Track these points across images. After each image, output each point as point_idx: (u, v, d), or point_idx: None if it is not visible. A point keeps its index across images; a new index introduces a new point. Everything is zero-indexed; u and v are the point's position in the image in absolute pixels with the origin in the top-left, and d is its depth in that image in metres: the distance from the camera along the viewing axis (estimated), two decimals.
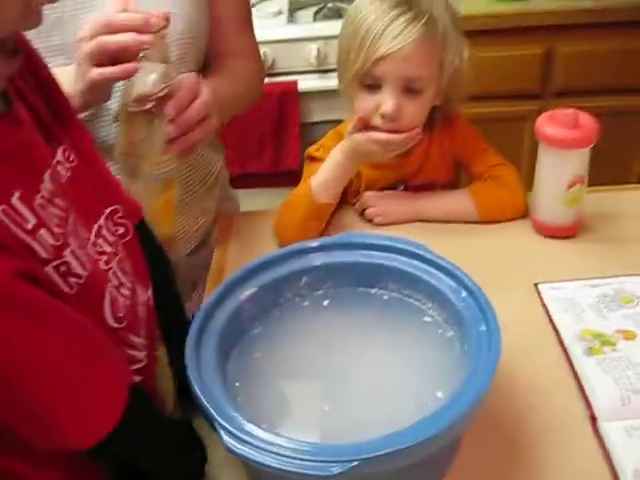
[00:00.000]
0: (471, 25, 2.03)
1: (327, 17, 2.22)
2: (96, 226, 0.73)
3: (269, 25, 2.15)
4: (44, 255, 0.62)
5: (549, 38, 2.15)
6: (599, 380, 0.85)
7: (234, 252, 1.18)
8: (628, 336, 0.91)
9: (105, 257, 0.72)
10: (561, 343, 0.92)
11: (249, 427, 0.65)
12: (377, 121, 1.09)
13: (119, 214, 0.79)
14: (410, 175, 1.23)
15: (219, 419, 0.65)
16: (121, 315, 0.71)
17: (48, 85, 0.74)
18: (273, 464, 0.61)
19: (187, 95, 0.88)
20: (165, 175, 0.89)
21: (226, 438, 0.63)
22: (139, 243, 0.82)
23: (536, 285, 1.04)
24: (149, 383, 0.76)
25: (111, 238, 0.74)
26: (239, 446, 0.62)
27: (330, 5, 2.27)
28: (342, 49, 1.14)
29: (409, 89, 1.09)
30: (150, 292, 0.81)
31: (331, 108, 2.20)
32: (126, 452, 0.69)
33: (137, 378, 0.73)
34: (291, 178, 2.25)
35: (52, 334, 0.60)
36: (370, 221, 1.21)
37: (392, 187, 1.25)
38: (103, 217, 0.75)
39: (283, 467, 0.61)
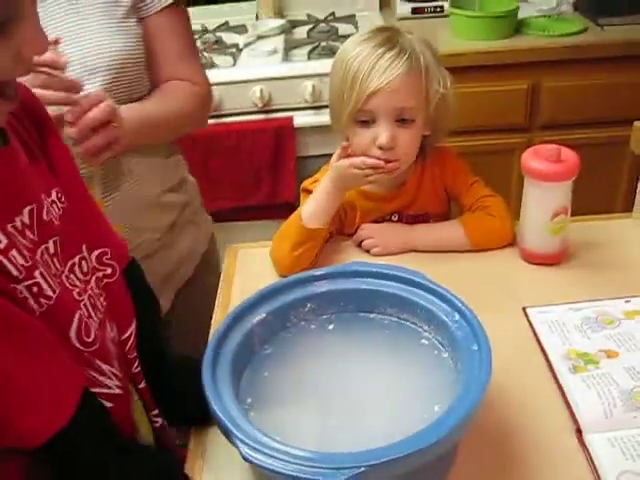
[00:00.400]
0: (460, 62, 2.14)
1: (321, 55, 2.28)
2: (70, 262, 0.80)
3: (265, 63, 2.23)
4: (15, 273, 0.69)
5: (534, 74, 2.23)
6: (583, 395, 0.91)
7: (239, 281, 1.25)
8: (610, 354, 0.98)
9: (77, 289, 0.79)
10: (548, 362, 0.99)
11: (264, 439, 0.71)
12: (375, 153, 1.17)
13: (107, 256, 0.87)
14: (404, 206, 1.30)
15: (236, 432, 0.71)
16: (88, 341, 0.78)
17: (42, 126, 0.81)
18: (286, 471, 0.67)
19: (87, 102, 0.99)
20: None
21: (244, 449, 0.69)
22: (125, 285, 0.89)
23: (524, 309, 1.11)
24: (123, 411, 0.83)
25: (81, 276, 0.81)
26: (256, 455, 0.69)
27: (324, 44, 2.34)
28: (334, 91, 1.22)
29: (401, 119, 1.17)
30: (131, 330, 0.88)
31: (325, 143, 2.26)
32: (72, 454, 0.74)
33: (108, 404, 0.80)
34: (287, 210, 2.32)
35: (6, 336, 0.67)
36: (368, 251, 1.28)
37: (386, 218, 1.32)
38: (79, 256, 0.82)
39: (296, 474, 0.67)
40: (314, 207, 1.22)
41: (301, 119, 2.21)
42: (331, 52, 2.28)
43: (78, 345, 0.77)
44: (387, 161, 1.17)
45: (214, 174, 2.21)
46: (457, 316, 0.86)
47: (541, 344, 1.03)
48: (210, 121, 2.10)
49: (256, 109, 2.18)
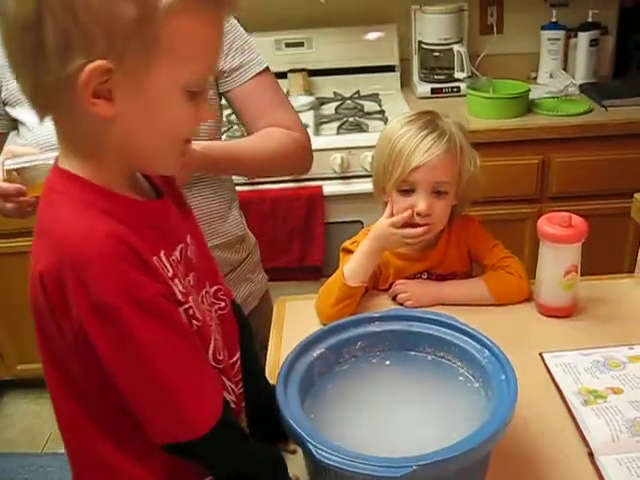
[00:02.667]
0: (477, 138, 2.28)
1: (349, 130, 2.47)
2: (202, 292, 0.95)
3: None
4: (180, 297, 0.84)
5: (544, 150, 2.40)
6: (594, 423, 1.07)
7: (287, 328, 1.42)
8: (617, 391, 1.13)
9: (208, 317, 0.93)
10: (562, 397, 1.15)
11: (333, 445, 0.87)
12: (413, 219, 1.35)
13: (221, 292, 1.02)
14: (433, 266, 1.47)
15: (310, 439, 0.87)
16: (220, 358, 0.93)
17: (170, 180, 0.96)
18: (355, 469, 0.83)
19: None
20: None
21: (318, 452, 0.85)
22: (234, 317, 1.05)
23: (541, 354, 1.27)
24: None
25: (208, 306, 0.96)
26: (328, 456, 0.84)
27: (351, 119, 2.53)
28: (379, 163, 1.40)
29: (437, 191, 1.35)
30: (237, 356, 1.02)
31: (352, 210, 2.46)
32: (228, 446, 0.87)
33: None
34: (315, 273, 2.50)
35: (180, 339, 0.82)
36: (401, 304, 1.44)
37: (417, 276, 1.49)
38: (205, 289, 0.97)
39: (363, 471, 0.82)
40: (355, 266, 1.39)
41: (330, 188, 2.39)
42: (358, 127, 2.48)
43: (213, 363, 0.90)
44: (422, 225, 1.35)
45: None
46: (487, 352, 1.02)
47: (556, 382, 1.18)
48: (247, 187, 2.31)
49: (289, 178, 2.34)
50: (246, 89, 1.41)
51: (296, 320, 1.45)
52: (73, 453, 0.90)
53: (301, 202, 2.39)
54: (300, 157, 1.49)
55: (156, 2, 0.71)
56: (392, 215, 1.37)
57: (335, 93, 2.85)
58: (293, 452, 1.04)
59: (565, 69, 2.80)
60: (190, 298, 0.87)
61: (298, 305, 1.51)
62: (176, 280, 0.84)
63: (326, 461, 0.84)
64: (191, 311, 0.86)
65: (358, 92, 2.83)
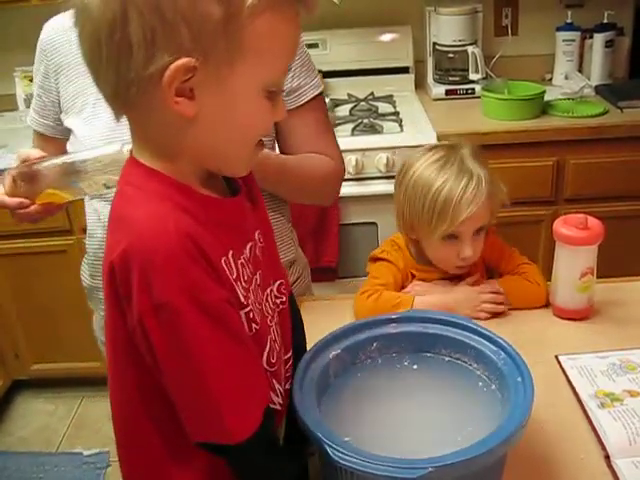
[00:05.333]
0: (492, 140, 2.33)
1: (363, 132, 2.47)
2: (266, 293, 0.94)
3: None
4: (242, 299, 0.84)
5: (559, 151, 2.41)
6: (610, 426, 1.06)
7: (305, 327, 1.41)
8: (633, 394, 1.13)
9: (269, 317, 0.94)
10: (579, 400, 1.15)
11: (349, 445, 0.87)
12: (458, 263, 1.40)
13: (284, 286, 1.02)
14: (452, 276, 1.47)
15: (327, 440, 0.87)
16: (273, 362, 0.92)
17: (249, 177, 0.96)
18: (371, 470, 0.83)
19: None
20: None
21: (334, 452, 0.85)
22: (290, 310, 1.05)
23: (556, 356, 1.27)
24: (277, 424, 0.96)
25: (272, 305, 0.96)
26: (344, 457, 0.84)
27: (365, 121, 2.54)
28: (415, 211, 1.38)
29: (476, 230, 1.37)
30: (290, 353, 1.02)
31: (366, 212, 2.46)
32: (258, 459, 0.87)
33: None
34: (329, 274, 2.51)
35: (235, 345, 0.81)
36: None
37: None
38: (270, 287, 0.97)
39: (379, 472, 0.82)
40: (427, 302, 1.39)
41: (344, 189, 2.33)
42: (373, 129, 2.48)
43: (266, 367, 0.90)
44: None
45: None
46: (503, 354, 1.02)
47: (572, 385, 1.18)
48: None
49: None
50: (299, 112, 1.40)
51: (311, 321, 1.43)
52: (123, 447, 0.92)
53: None
54: (332, 187, 1.51)
55: (242, 1, 0.72)
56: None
57: (349, 95, 2.85)
58: (312, 454, 1.04)
59: (580, 70, 2.79)
60: (250, 300, 0.86)
61: (313, 306, 1.51)
62: (240, 282, 0.84)
63: (342, 462, 0.84)
64: (252, 314, 0.86)
65: (372, 94, 2.84)
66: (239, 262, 0.85)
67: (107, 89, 0.79)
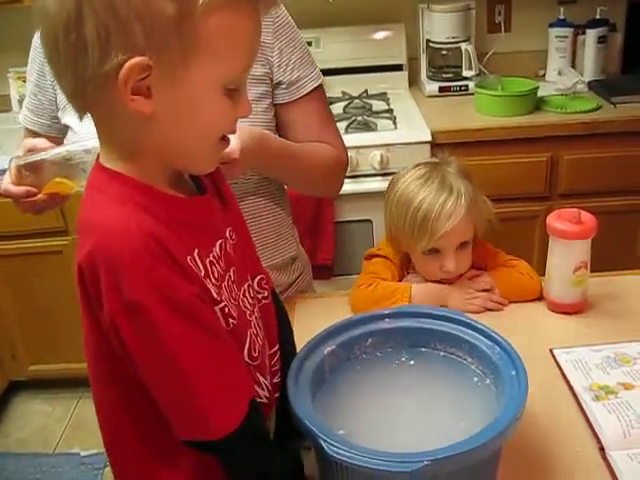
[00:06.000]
0: (486, 136, 2.34)
1: (357, 129, 2.48)
2: (243, 288, 0.95)
3: None
4: (215, 295, 0.85)
5: (553, 147, 2.41)
6: (605, 419, 1.07)
7: (297, 326, 1.41)
8: (627, 387, 1.13)
9: (248, 311, 0.95)
10: (573, 393, 1.15)
11: (344, 440, 0.87)
12: (441, 276, 1.40)
13: (264, 281, 1.03)
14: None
15: (322, 435, 0.87)
16: (255, 355, 0.93)
17: (216, 175, 0.96)
18: (366, 464, 0.83)
19: None
20: None
21: (329, 447, 0.85)
22: (274, 305, 1.05)
23: (551, 350, 1.27)
24: (265, 419, 0.97)
25: (252, 300, 0.97)
26: (339, 451, 0.85)
27: (359, 119, 2.54)
28: (399, 226, 1.39)
29: (460, 245, 1.38)
30: (276, 348, 1.03)
31: (361, 209, 2.47)
32: (245, 453, 0.87)
33: None
34: (325, 272, 2.51)
35: (210, 340, 0.82)
36: None
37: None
38: (247, 283, 0.97)
39: (374, 466, 0.83)
40: (423, 293, 1.40)
41: None
42: (367, 126, 2.49)
43: (248, 360, 0.91)
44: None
45: None
46: (497, 348, 1.02)
47: (567, 378, 1.19)
48: None
49: None
50: (300, 104, 1.41)
51: (306, 318, 1.45)
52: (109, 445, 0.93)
53: (311, 201, 2.39)
54: (337, 176, 1.50)
55: None
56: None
57: (343, 92, 2.85)
58: (309, 448, 1.05)
59: (573, 66, 2.80)
60: (224, 297, 0.87)
61: (308, 303, 1.52)
62: (210, 279, 0.85)
63: (337, 456, 0.85)
64: (227, 309, 0.87)
65: (366, 91, 2.84)
66: (207, 260, 0.85)
67: (67, 88, 0.79)
